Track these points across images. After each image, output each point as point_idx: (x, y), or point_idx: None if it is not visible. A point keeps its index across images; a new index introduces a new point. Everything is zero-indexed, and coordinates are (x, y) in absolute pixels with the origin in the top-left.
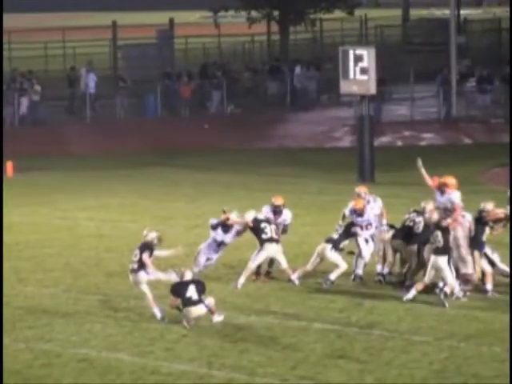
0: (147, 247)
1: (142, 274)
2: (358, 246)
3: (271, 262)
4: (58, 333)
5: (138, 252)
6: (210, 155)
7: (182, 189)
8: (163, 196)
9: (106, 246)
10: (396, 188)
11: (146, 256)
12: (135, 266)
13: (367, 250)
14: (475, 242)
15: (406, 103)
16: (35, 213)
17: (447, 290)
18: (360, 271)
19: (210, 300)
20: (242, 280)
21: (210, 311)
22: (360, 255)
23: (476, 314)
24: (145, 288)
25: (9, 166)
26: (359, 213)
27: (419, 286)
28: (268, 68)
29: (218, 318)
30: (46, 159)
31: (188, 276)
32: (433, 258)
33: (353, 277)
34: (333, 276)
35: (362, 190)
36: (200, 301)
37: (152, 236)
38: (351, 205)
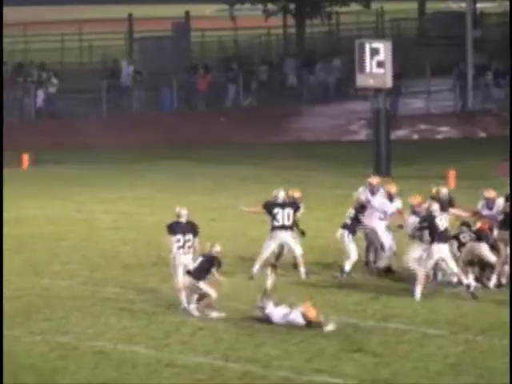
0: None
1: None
2: (378, 238)
3: (278, 255)
4: (74, 325)
5: (190, 237)
6: (226, 148)
7: (199, 182)
8: (179, 189)
9: (123, 238)
10: (412, 182)
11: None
12: (186, 250)
13: (388, 240)
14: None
15: (422, 96)
16: (51, 205)
17: (465, 280)
18: (382, 264)
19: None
20: (255, 269)
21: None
22: (382, 248)
23: (492, 307)
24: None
25: (24, 159)
26: (392, 196)
27: (422, 280)
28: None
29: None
30: (62, 152)
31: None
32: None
33: (371, 268)
34: (347, 267)
35: (374, 181)
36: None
37: (185, 212)
38: (382, 191)
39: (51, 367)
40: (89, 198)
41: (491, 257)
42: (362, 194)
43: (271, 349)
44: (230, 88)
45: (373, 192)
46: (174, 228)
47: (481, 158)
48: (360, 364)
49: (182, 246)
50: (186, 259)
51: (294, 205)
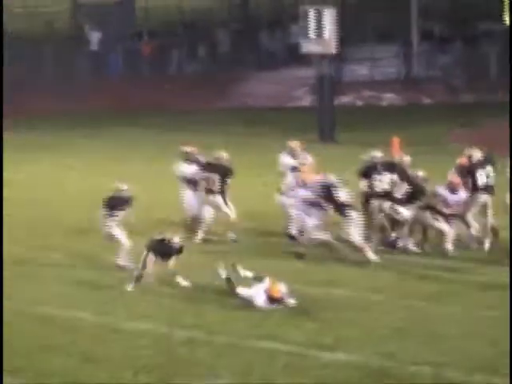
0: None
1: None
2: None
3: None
4: (18, 291)
5: (128, 211)
6: (172, 115)
7: (145, 148)
8: (125, 156)
9: (68, 204)
10: (356, 147)
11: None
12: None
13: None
14: None
15: (366, 63)
16: None
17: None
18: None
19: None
20: (198, 236)
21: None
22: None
23: (437, 273)
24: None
25: None
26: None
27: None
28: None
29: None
30: (6, 119)
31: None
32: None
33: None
34: (292, 229)
35: (293, 144)
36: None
37: (125, 187)
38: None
39: None
40: (35, 164)
41: (437, 224)
42: (285, 157)
43: (215, 315)
44: (175, 54)
45: (294, 156)
46: (112, 203)
47: (428, 125)
48: (304, 330)
49: (119, 221)
50: (123, 234)
51: (222, 169)
